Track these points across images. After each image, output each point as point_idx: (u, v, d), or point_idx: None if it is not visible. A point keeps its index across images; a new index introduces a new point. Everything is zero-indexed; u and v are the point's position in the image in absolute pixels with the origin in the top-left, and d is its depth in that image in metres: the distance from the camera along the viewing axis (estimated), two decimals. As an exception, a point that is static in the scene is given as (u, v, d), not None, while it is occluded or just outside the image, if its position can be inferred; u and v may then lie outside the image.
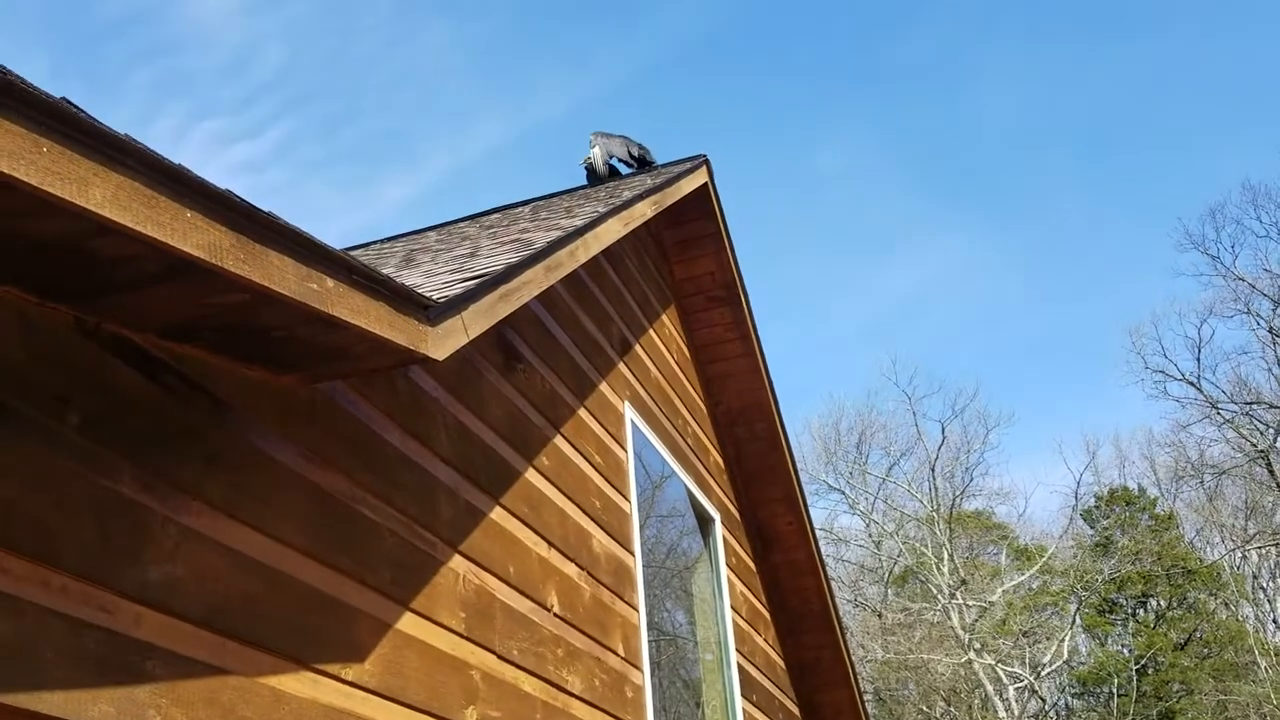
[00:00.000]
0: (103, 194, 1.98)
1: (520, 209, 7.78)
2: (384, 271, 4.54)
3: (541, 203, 7.86)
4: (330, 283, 2.57)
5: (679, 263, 8.01)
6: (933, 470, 35.05)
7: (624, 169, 8.73)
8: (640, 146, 8.79)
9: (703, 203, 7.79)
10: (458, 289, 3.41)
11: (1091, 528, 37.20)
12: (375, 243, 8.08)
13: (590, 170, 8.52)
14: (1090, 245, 48.85)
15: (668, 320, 7.60)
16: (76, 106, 1.97)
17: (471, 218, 7.95)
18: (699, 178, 7.60)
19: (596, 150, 8.44)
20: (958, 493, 35.21)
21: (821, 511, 36.50)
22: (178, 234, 2.16)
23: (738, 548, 8.02)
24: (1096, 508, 37.42)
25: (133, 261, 2.26)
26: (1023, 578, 33.20)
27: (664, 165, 8.23)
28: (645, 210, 6.25)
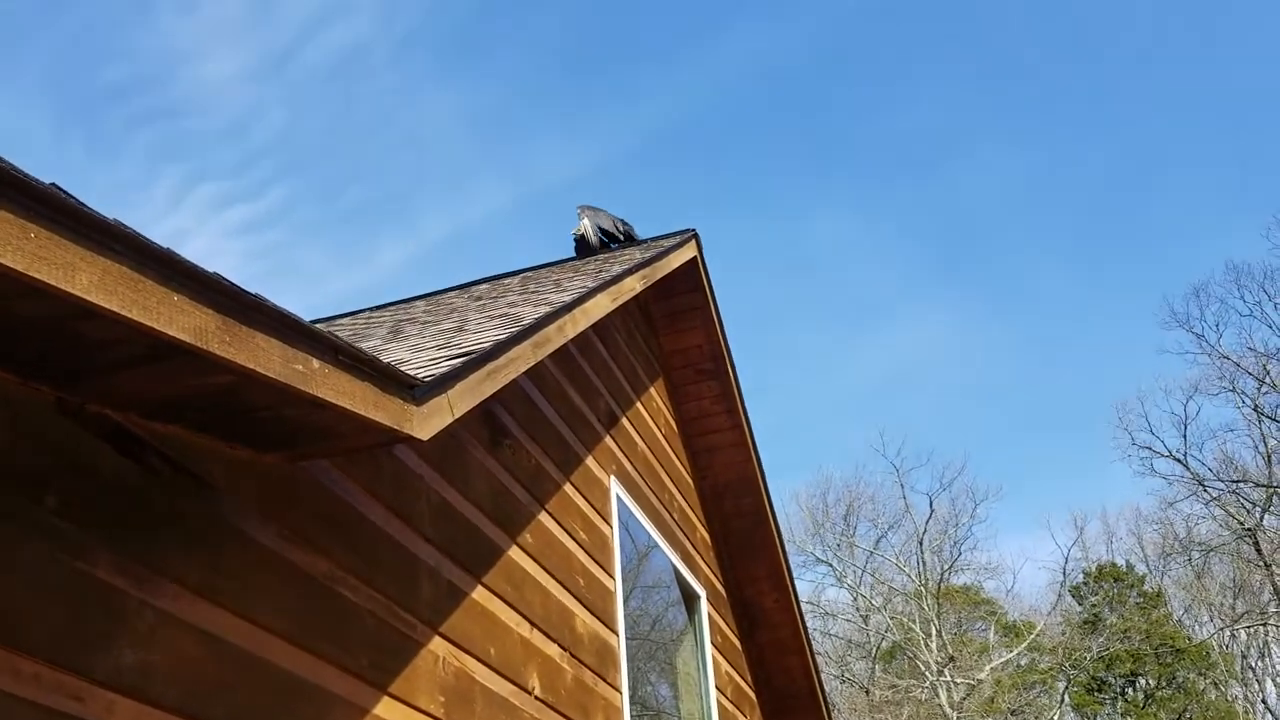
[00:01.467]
0: (89, 279, 1.97)
1: (509, 280, 7.82)
2: (371, 344, 4.75)
3: (531, 274, 7.93)
4: (316, 364, 2.57)
5: (667, 335, 8.02)
6: (921, 544, 34.91)
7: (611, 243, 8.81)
8: (625, 223, 8.85)
9: (691, 276, 7.84)
10: (444, 367, 3.40)
11: (1080, 604, 36.99)
12: (365, 311, 8.10)
13: (580, 242, 8.57)
14: (1077, 321, 49.22)
15: (655, 393, 7.57)
16: (65, 192, 1.97)
17: (460, 288, 7.98)
18: (688, 251, 7.66)
19: (586, 222, 8.49)
20: (946, 567, 35.04)
21: (808, 584, 36.26)
22: (164, 318, 2.14)
23: (723, 625, 7.94)
24: (1085, 584, 37.24)
25: (118, 344, 2.24)
26: (1011, 655, 32.91)
27: (654, 239, 8.33)
28: (634, 285, 6.27)
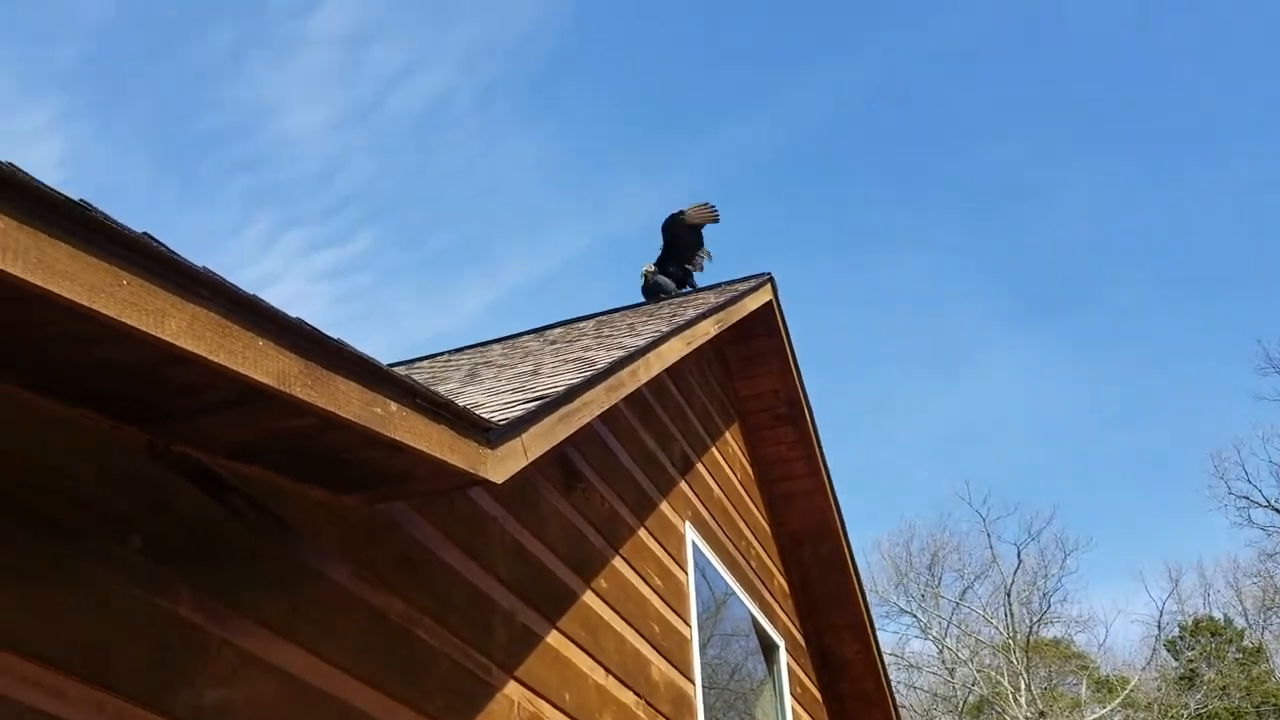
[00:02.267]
0: (178, 324, 2.05)
1: (584, 324, 7.84)
2: (448, 387, 4.84)
3: (605, 318, 7.93)
4: (394, 407, 2.59)
5: (742, 379, 7.95)
6: (1008, 595, 34.13)
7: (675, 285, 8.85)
8: (704, 254, 8.86)
9: (767, 320, 7.78)
10: (518, 410, 3.42)
11: (1176, 659, 35.82)
12: (443, 354, 8.10)
13: (652, 287, 8.62)
14: (1170, 365, 47.98)
15: (731, 438, 7.51)
16: (156, 240, 2.05)
17: (536, 331, 8.02)
18: (763, 295, 7.60)
19: (651, 269, 8.58)
20: (1035, 619, 34.19)
21: (892, 635, 35.62)
22: (249, 362, 2.20)
23: (803, 676, 7.84)
24: (1181, 638, 36.07)
25: (205, 388, 2.31)
26: (1104, 711, 31.94)
27: (729, 282, 8.23)
28: (708, 329, 6.23)
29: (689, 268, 8.77)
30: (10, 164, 1.76)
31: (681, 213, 8.69)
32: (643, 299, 8.63)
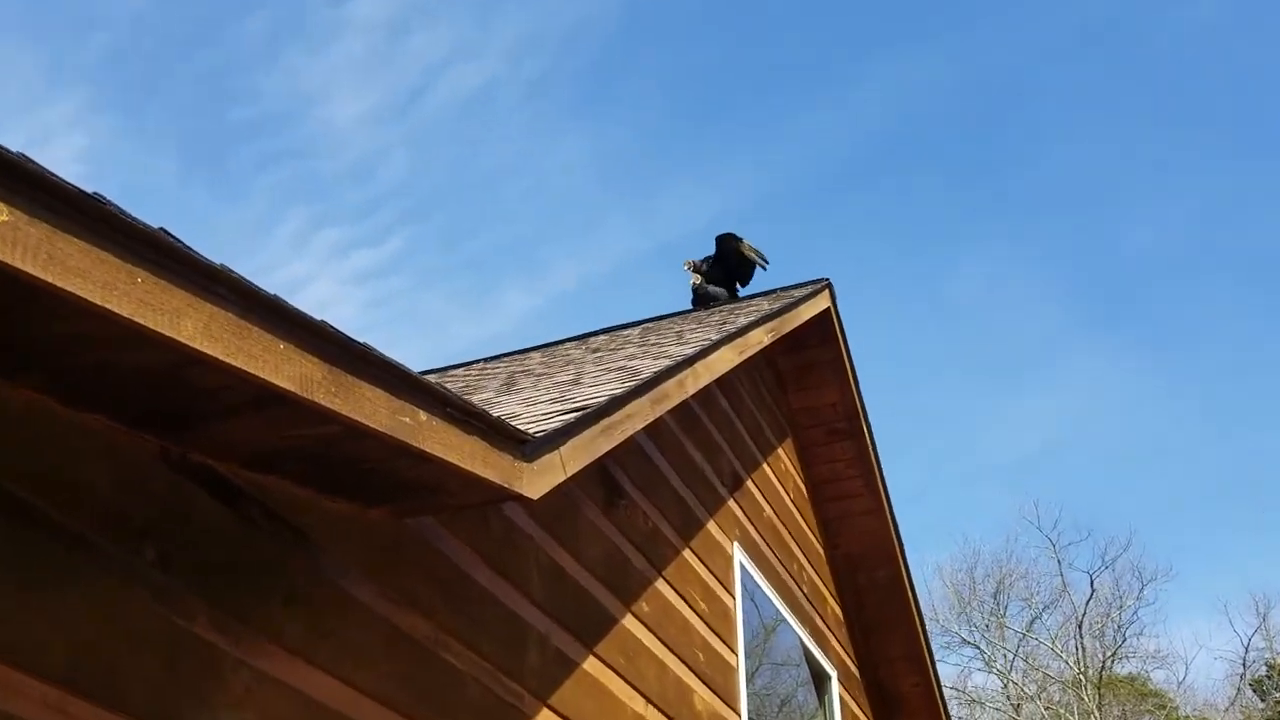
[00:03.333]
0: (194, 325, 2.04)
1: (629, 331, 7.81)
2: (483, 396, 4.83)
3: (652, 325, 7.91)
4: (423, 416, 2.59)
5: (796, 392, 7.90)
6: (1080, 627, 33.64)
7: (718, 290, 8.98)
8: (733, 238, 9.00)
9: (824, 329, 7.71)
10: (556, 422, 3.40)
11: (1262, 700, 35.12)
12: (479, 362, 8.21)
13: (702, 295, 8.69)
14: (1250, 380, 46.98)
15: (784, 454, 7.44)
16: (173, 236, 2.05)
17: (578, 339, 8.00)
18: (820, 303, 7.55)
19: (696, 277, 8.75)
20: (1108, 653, 33.67)
21: (953, 668, 35.20)
22: (269, 366, 2.19)
23: (856, 709, 7.75)
24: (1268, 677, 35.36)
25: (222, 392, 2.30)
26: (1183, 754, 31.37)
27: (783, 288, 8.20)
28: (761, 338, 6.19)
29: (737, 285, 8.93)
30: (21, 154, 1.76)
31: (739, 239, 8.94)
32: (691, 308, 8.69)
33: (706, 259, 8.94)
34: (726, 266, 8.88)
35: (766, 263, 8.99)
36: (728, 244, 8.84)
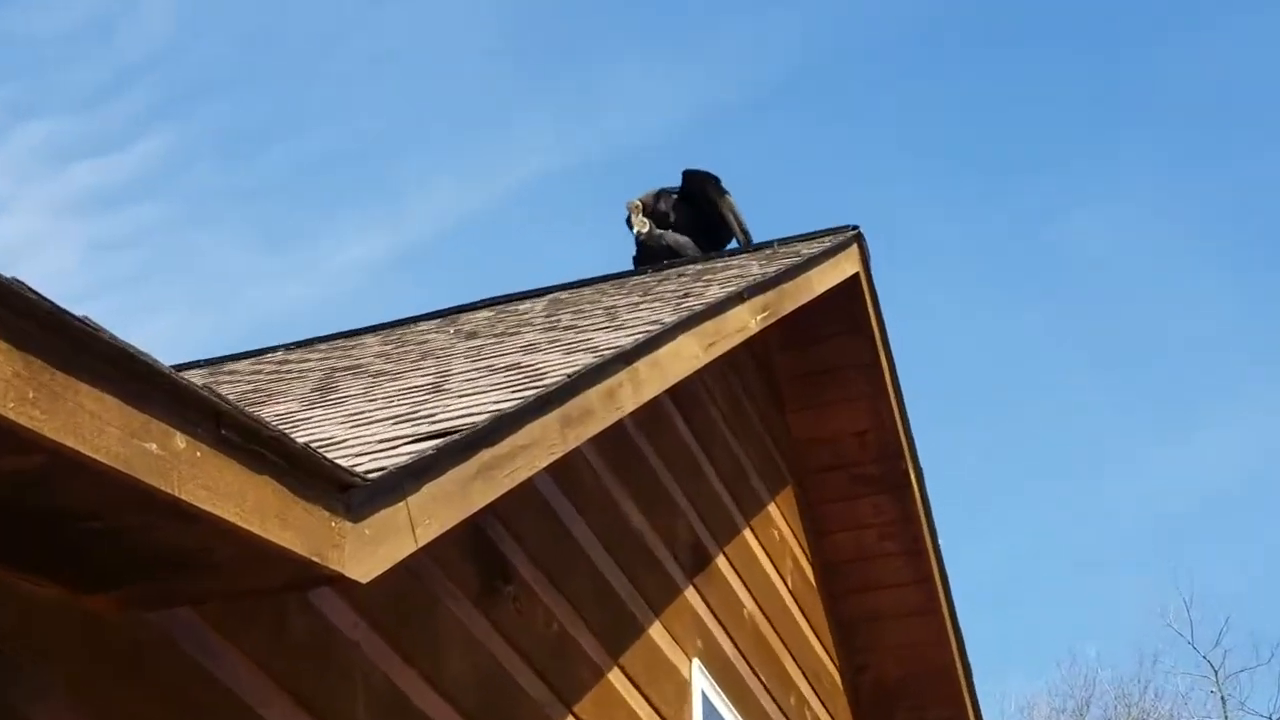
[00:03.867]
0: None
1: (528, 304, 6.53)
2: (282, 408, 4.36)
3: (566, 296, 6.64)
4: (181, 441, 2.25)
5: (802, 412, 6.59)
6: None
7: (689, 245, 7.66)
8: (704, 176, 7.67)
9: (849, 309, 6.44)
10: (404, 455, 2.96)
11: None
12: (278, 349, 6.84)
13: (652, 246, 7.34)
14: None
15: (778, 513, 6.27)
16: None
17: (444, 315, 6.69)
18: (844, 265, 6.26)
19: (643, 212, 7.37)
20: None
21: None
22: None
23: None
24: None
25: None
26: None
27: (784, 241, 6.73)
28: (746, 320, 5.18)
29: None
30: None
31: (722, 191, 7.61)
32: (634, 268, 7.38)
33: (662, 195, 7.51)
34: (696, 214, 7.52)
35: (747, 236, 7.79)
36: (701, 187, 7.49)
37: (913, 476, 6.50)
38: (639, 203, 7.47)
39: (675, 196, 7.57)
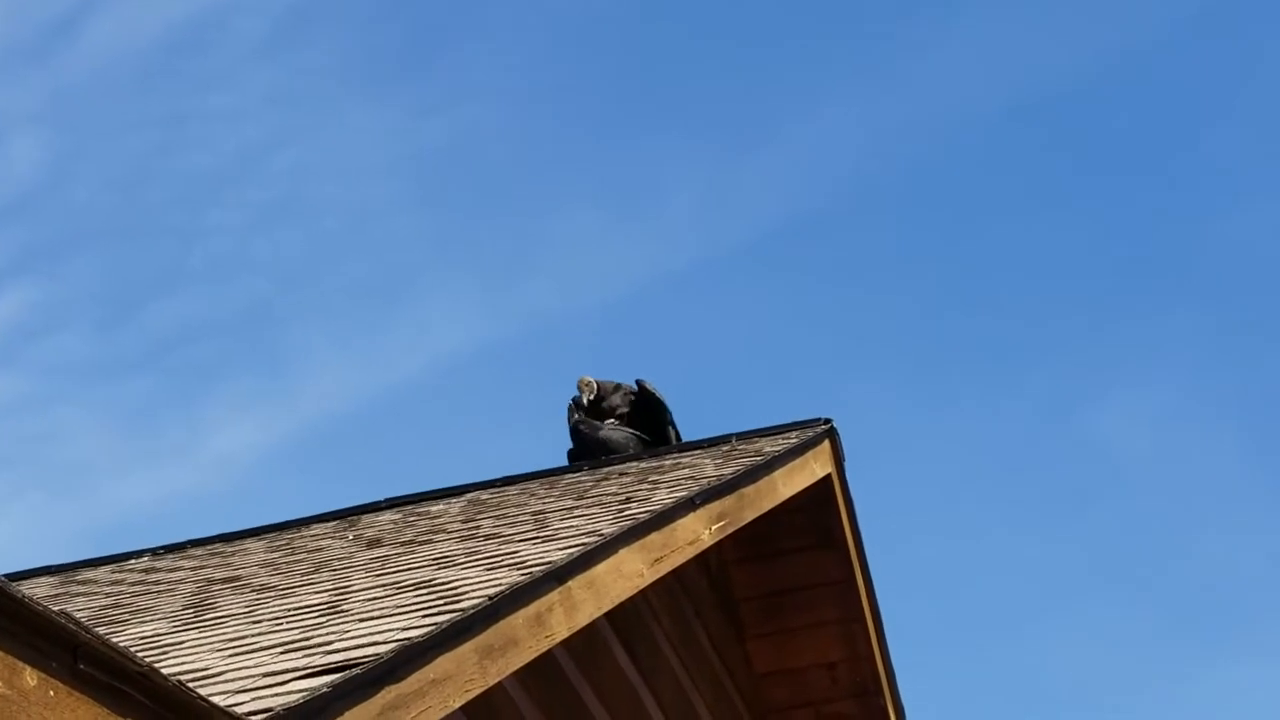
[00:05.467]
0: None
1: (442, 505, 6.23)
2: (149, 629, 4.22)
3: (488, 495, 6.34)
4: (31, 678, 2.04)
5: (761, 639, 6.27)
6: None
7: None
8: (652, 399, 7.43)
9: (819, 518, 6.23)
10: (293, 692, 2.82)
11: None
12: (144, 554, 6.45)
13: (589, 437, 7.07)
14: None
15: None
16: None
17: (342, 515, 6.38)
18: (814, 466, 6.05)
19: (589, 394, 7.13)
20: None
21: None
22: None
23: None
24: None
25: None
26: None
27: (742, 435, 6.51)
28: (699, 530, 4.93)
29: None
30: None
31: (664, 406, 7.41)
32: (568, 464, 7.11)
33: (620, 389, 7.28)
34: (646, 420, 7.27)
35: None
36: (651, 398, 7.29)
37: (893, 717, 6.21)
38: (593, 382, 7.24)
39: (629, 396, 7.37)
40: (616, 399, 7.21)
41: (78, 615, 2.36)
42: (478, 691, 3.29)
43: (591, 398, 7.11)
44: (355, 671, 2.83)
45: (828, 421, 6.21)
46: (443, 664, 3.13)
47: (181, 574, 5.78)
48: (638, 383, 7.40)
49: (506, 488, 6.50)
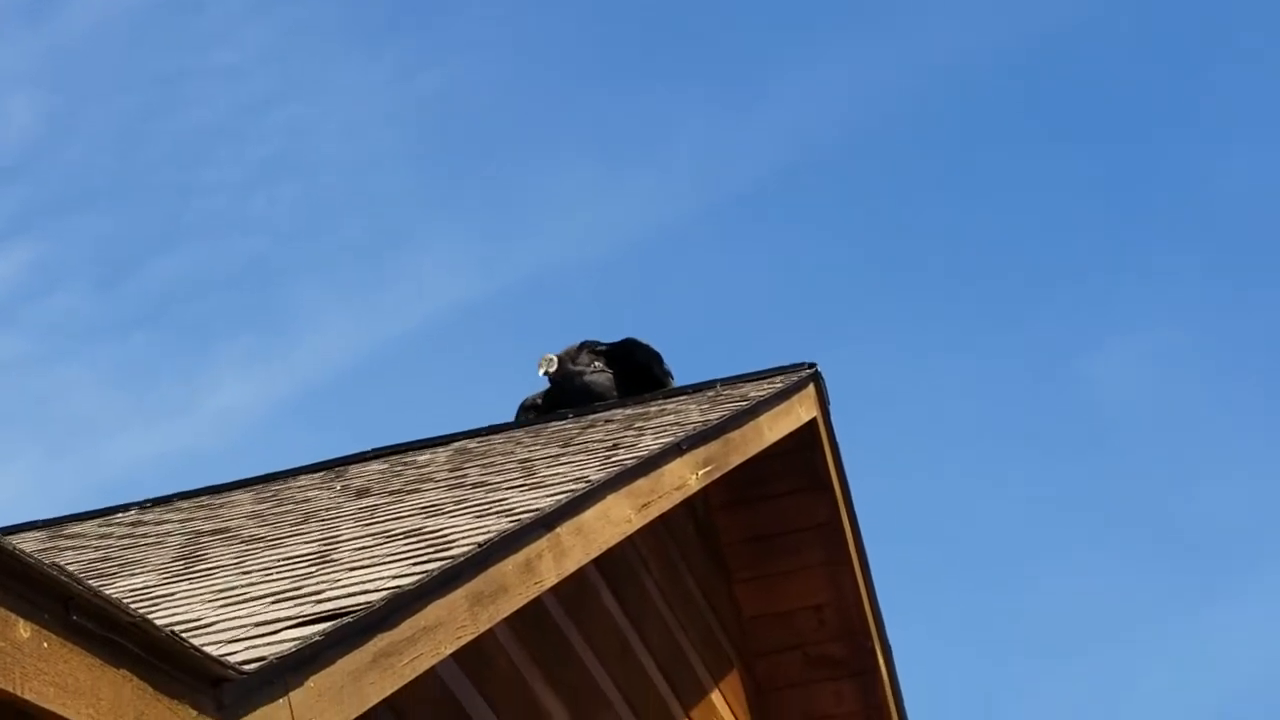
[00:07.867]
0: None
1: (429, 454, 6.34)
2: (138, 581, 4.33)
3: (475, 444, 6.46)
4: (25, 630, 2.11)
5: (748, 582, 6.46)
6: None
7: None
8: (648, 352, 7.51)
9: (805, 461, 6.38)
10: (285, 640, 2.88)
11: None
12: (131, 507, 6.58)
13: (568, 386, 7.16)
14: None
15: (721, 700, 6.06)
16: None
17: (329, 466, 6.53)
18: (799, 410, 6.20)
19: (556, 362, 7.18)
20: None
21: None
22: None
23: None
24: None
25: None
26: None
27: (726, 381, 6.65)
28: (686, 475, 5.08)
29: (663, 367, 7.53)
30: None
31: (666, 372, 7.48)
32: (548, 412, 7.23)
33: (585, 347, 7.37)
34: (627, 373, 7.34)
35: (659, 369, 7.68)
36: (645, 362, 7.36)
37: (881, 659, 6.38)
38: (553, 357, 7.31)
39: (602, 352, 7.44)
40: (584, 357, 7.32)
41: (68, 569, 2.50)
42: (469, 638, 3.42)
43: (552, 370, 7.21)
44: (347, 620, 2.92)
45: (812, 365, 6.41)
46: (434, 611, 3.24)
47: (169, 526, 5.89)
48: (624, 340, 7.50)
49: (492, 436, 6.66)
